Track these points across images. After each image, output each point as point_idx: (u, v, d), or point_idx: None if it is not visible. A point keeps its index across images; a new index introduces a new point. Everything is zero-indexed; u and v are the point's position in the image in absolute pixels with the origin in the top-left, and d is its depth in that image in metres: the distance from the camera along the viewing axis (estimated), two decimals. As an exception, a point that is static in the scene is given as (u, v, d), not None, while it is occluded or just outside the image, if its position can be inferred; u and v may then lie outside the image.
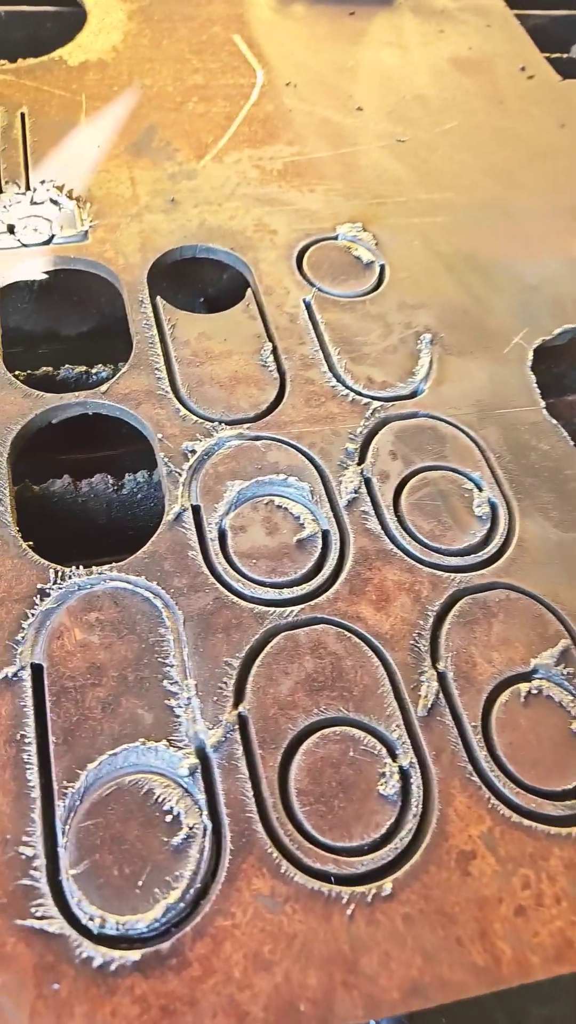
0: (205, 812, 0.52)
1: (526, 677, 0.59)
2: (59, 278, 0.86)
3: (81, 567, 0.61)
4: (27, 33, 1.10)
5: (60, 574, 0.60)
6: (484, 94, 1.06)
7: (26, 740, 0.53)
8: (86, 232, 0.82)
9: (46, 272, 0.82)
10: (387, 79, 1.06)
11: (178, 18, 1.08)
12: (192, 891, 0.49)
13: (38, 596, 0.59)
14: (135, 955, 0.47)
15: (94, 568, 0.61)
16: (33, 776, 0.52)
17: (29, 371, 0.75)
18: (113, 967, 0.46)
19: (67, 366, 0.76)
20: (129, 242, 0.81)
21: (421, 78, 1.06)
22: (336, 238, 0.87)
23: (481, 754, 0.55)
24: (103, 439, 0.79)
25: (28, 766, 0.52)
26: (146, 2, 1.10)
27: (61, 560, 0.62)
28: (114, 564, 0.62)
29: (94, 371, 0.77)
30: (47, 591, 0.60)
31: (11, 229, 0.81)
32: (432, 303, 0.82)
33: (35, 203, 0.83)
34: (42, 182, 0.85)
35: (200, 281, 0.92)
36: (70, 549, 0.68)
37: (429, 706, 0.57)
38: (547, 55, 1.14)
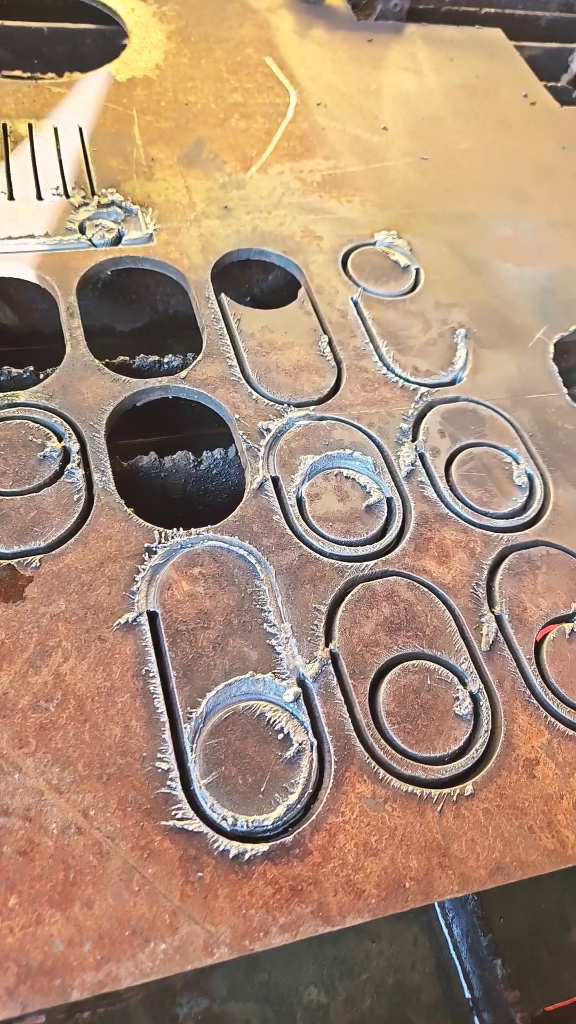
0: (310, 731, 0.60)
1: (568, 618, 0.69)
2: (120, 277, 0.93)
3: (180, 529, 0.69)
4: (68, 49, 1.18)
5: (163, 534, 0.68)
6: (492, 117, 1.18)
7: (150, 675, 0.61)
8: (151, 235, 0.90)
9: (111, 271, 0.89)
10: (407, 101, 1.16)
11: (213, 40, 1.17)
12: (306, 795, 0.58)
13: (146, 553, 0.67)
14: (264, 847, 0.55)
15: (192, 530, 0.69)
16: (160, 704, 0.60)
17: (107, 359, 0.83)
18: (246, 857, 0.54)
19: (141, 355, 0.84)
20: (191, 244, 0.90)
21: (437, 101, 1.17)
22: (375, 244, 0.97)
23: (536, 681, 0.65)
24: (175, 424, 0.86)
25: (155, 695, 0.60)
26: (183, 23, 1.18)
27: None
28: (210, 527, 0.70)
29: (165, 360, 0.85)
30: (154, 549, 0.68)
31: (81, 229, 0.89)
32: (464, 302, 0.92)
33: (102, 206, 0.91)
34: (106, 188, 0.93)
35: (247, 281, 1.00)
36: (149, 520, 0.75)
37: (491, 642, 0.66)
38: (543, 83, 1.26)
